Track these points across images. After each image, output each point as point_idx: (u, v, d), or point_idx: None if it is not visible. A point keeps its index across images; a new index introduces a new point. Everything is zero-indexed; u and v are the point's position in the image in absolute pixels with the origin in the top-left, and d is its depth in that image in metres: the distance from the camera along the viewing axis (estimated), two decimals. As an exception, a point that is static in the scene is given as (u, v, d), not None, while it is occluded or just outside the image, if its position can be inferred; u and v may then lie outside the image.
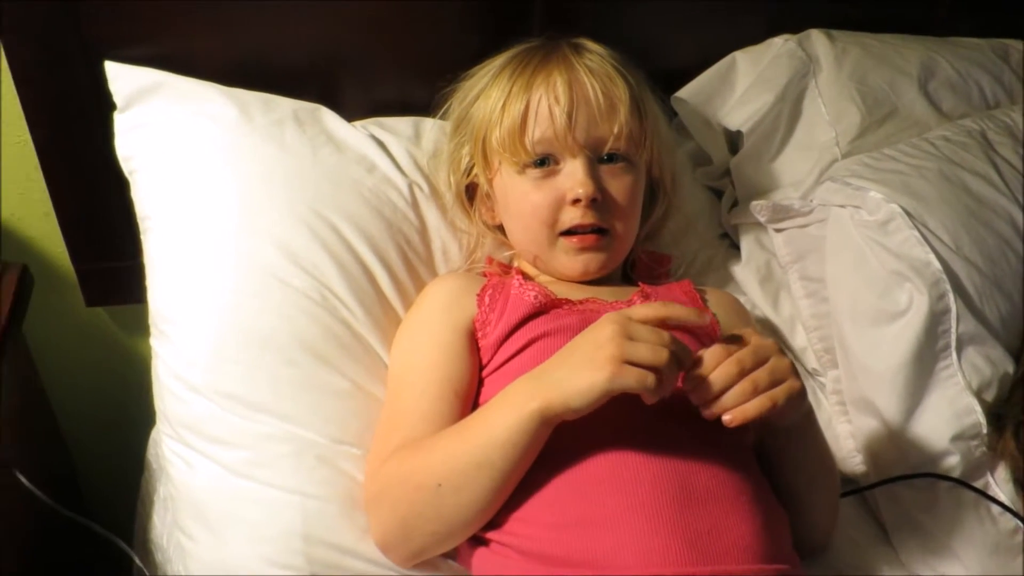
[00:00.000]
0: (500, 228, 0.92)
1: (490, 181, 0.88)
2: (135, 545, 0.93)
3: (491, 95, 0.86)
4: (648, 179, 0.91)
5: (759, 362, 0.67)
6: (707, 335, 0.84)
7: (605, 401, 0.66)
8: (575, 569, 0.66)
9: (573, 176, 0.82)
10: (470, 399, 0.79)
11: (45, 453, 1.08)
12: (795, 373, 0.69)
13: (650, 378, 0.64)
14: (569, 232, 0.84)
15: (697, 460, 0.70)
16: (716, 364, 0.67)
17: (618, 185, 0.85)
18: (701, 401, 0.68)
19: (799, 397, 0.69)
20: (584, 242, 0.84)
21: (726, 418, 0.67)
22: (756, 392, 0.66)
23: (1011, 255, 0.95)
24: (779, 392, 0.67)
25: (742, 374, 0.66)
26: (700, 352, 0.68)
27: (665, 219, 0.97)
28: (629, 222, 0.87)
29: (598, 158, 0.84)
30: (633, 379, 0.64)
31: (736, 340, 0.69)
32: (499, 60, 0.90)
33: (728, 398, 0.66)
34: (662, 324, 0.68)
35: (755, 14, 1.14)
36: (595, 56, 0.87)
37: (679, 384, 0.68)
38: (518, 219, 0.86)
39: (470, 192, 0.92)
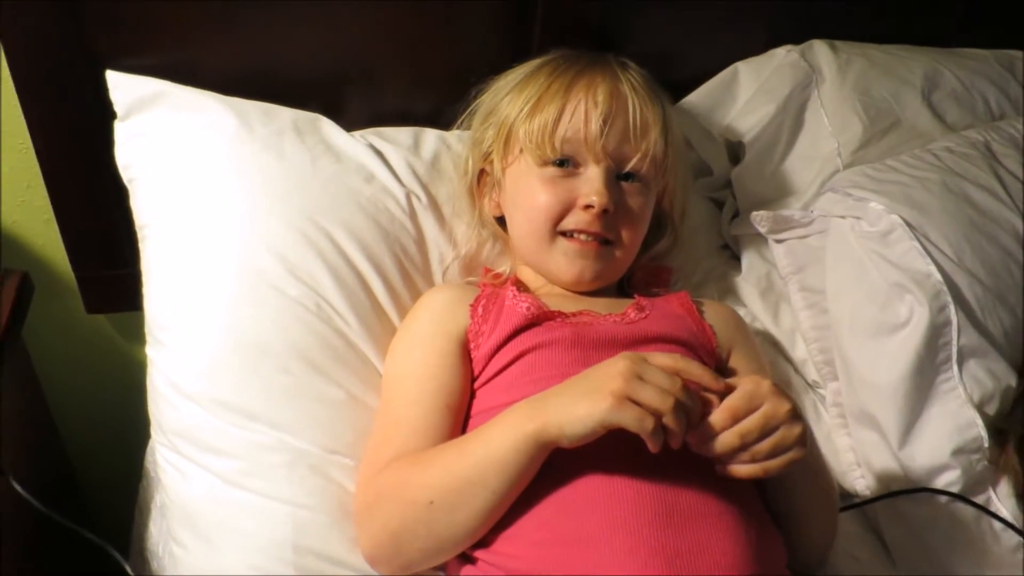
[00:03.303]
0: (500, 220, 0.92)
1: (504, 169, 0.88)
2: (132, 554, 0.93)
3: (525, 89, 0.87)
4: (657, 209, 0.91)
5: (765, 433, 0.66)
6: (705, 351, 0.84)
7: (601, 433, 0.65)
8: None
9: (591, 183, 0.83)
10: (463, 411, 0.79)
11: (44, 460, 1.09)
12: (801, 443, 0.67)
13: (648, 420, 0.63)
14: (572, 234, 0.84)
15: (683, 478, 0.69)
16: (721, 429, 0.66)
17: (631, 203, 0.85)
18: (702, 456, 0.67)
19: (797, 462, 0.67)
20: (585, 247, 0.84)
21: (719, 468, 0.67)
22: (753, 460, 0.66)
23: (1014, 267, 0.94)
24: (774, 464, 0.66)
25: (744, 447, 0.65)
26: (709, 410, 0.66)
27: (668, 253, 0.96)
28: (632, 241, 0.87)
29: (618, 172, 0.84)
30: (631, 417, 0.63)
31: (744, 398, 0.66)
32: (534, 63, 0.91)
33: (726, 460, 0.66)
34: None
35: (758, 24, 1.14)
36: (637, 74, 0.88)
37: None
38: (524, 212, 0.86)
39: (478, 179, 0.92)
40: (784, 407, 0.67)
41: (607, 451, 0.68)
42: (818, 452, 0.77)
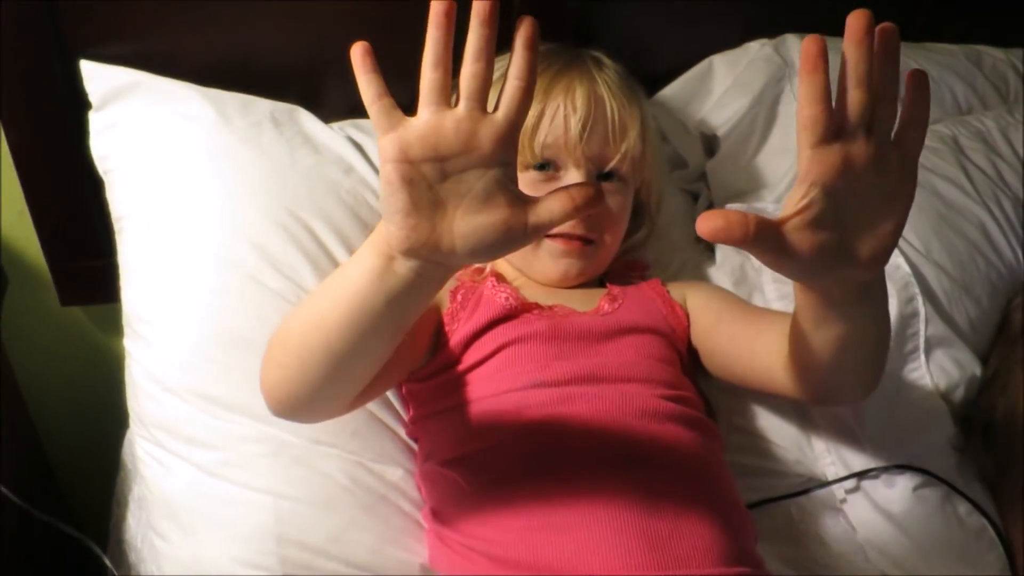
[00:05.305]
0: None
1: None
2: (109, 546, 0.93)
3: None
4: (635, 200, 0.92)
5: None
6: (676, 335, 0.85)
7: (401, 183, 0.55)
8: (540, 572, 0.67)
9: None
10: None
11: (20, 453, 1.08)
12: None
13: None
14: (555, 235, 0.84)
15: (661, 465, 0.71)
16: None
17: (612, 203, 0.86)
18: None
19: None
20: (570, 245, 0.84)
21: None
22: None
23: (980, 260, 0.96)
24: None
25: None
26: None
27: (644, 242, 0.97)
28: (615, 239, 0.88)
29: (598, 172, 0.85)
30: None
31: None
32: (508, 59, 0.89)
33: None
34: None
35: (733, 18, 1.15)
36: (613, 73, 0.88)
37: None
38: None
39: None
40: None
41: (581, 433, 0.70)
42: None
